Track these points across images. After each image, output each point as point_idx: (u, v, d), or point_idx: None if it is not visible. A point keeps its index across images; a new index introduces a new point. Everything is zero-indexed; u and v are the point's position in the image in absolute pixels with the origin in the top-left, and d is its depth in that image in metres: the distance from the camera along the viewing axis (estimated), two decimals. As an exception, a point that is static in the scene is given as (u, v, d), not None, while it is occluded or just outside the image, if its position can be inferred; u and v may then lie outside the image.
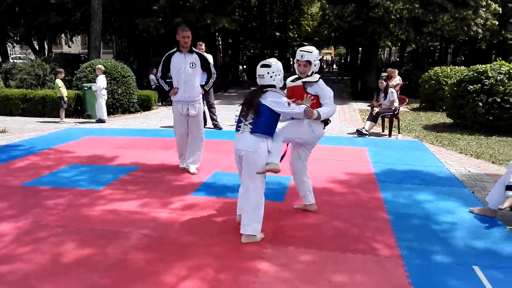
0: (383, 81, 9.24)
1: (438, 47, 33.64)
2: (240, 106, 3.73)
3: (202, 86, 5.82)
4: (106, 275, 3.08)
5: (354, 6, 16.49)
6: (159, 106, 14.43)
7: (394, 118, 8.87)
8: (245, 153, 3.56)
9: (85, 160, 6.50)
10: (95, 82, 10.58)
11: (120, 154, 6.84)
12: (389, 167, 6.13)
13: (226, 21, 18.00)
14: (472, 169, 6.16)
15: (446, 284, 2.99)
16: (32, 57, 21.39)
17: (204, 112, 6.85)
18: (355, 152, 7.14)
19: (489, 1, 17.22)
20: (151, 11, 18.42)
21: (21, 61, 20.87)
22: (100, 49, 16.82)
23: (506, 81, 8.82)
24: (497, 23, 17.87)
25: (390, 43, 37.73)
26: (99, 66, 10.71)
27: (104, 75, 10.73)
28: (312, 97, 3.87)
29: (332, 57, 60.59)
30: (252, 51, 39.48)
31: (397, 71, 11.41)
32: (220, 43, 31.37)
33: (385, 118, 9.09)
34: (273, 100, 3.55)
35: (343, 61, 43.84)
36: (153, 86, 15.07)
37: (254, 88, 3.71)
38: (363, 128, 8.86)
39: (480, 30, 16.96)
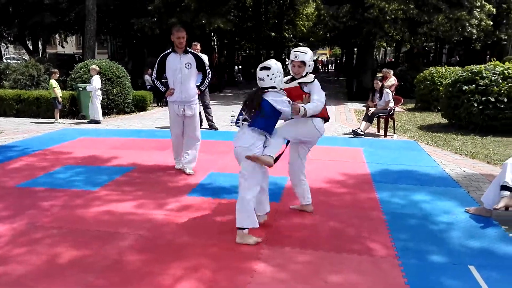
0: (378, 82, 9.27)
1: (433, 47, 33.79)
2: (237, 109, 3.74)
3: (198, 87, 5.81)
4: (101, 276, 3.07)
5: (349, 7, 16.54)
6: (154, 106, 14.39)
7: (389, 119, 8.90)
8: (240, 149, 3.58)
9: (80, 161, 6.47)
10: (89, 83, 10.53)
11: (115, 155, 6.81)
12: (384, 167, 6.15)
13: (221, 21, 17.98)
14: (467, 169, 6.18)
15: (442, 283, 3.00)
16: (26, 57, 21.29)
17: (199, 113, 6.84)
18: (350, 152, 7.16)
19: (484, 2, 17.33)
20: (146, 11, 18.38)
21: (15, 61, 20.74)
22: (95, 49, 16.76)
23: (500, 81, 8.86)
24: (491, 23, 17.98)
25: (385, 44, 37.89)
26: (93, 66, 10.65)
27: (99, 76, 10.68)
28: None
29: (327, 57, 60.69)
30: (247, 51, 39.46)
31: (392, 72, 11.45)
32: (216, 43, 31.35)
33: (381, 119, 9.11)
34: (273, 98, 3.57)
35: (338, 61, 43.95)
36: (148, 87, 15.04)
37: (252, 89, 3.70)
38: (359, 128, 8.87)
39: (474, 31, 17.05)
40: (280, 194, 4.92)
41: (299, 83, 3.93)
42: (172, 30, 5.55)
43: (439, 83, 12.58)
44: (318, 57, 50.48)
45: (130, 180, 5.49)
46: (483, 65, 9.53)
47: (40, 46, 24.88)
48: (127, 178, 5.60)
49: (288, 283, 3.00)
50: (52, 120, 10.70)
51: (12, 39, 24.63)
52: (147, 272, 3.13)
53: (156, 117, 11.71)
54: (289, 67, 4.04)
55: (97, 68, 10.66)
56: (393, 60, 40.86)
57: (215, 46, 31.38)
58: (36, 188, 5.14)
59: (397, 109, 10.18)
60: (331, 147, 7.44)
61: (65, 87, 12.05)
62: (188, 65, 5.54)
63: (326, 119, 4.08)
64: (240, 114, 3.68)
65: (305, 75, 3.95)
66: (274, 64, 3.63)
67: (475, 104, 8.91)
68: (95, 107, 10.45)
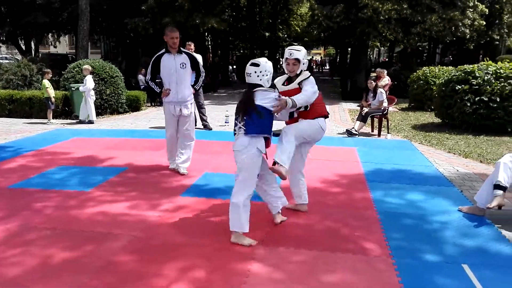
0: (372, 81, 9.30)
1: (427, 47, 33.94)
2: (231, 109, 3.75)
3: (192, 86, 5.82)
4: (96, 277, 3.05)
5: (343, 7, 16.58)
6: (148, 106, 14.34)
7: (383, 118, 8.93)
8: (236, 153, 3.61)
9: (73, 162, 6.44)
10: (82, 83, 10.47)
11: (109, 155, 6.78)
12: (378, 167, 6.17)
13: (215, 21, 17.96)
14: (461, 168, 6.22)
15: (435, 282, 3.02)
16: (19, 57, 21.16)
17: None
18: (345, 152, 7.17)
19: (476, 2, 17.43)
20: (140, 11, 18.31)
21: (7, 61, 20.62)
22: (88, 49, 16.69)
23: (493, 81, 8.92)
24: (484, 23, 18.09)
25: (379, 44, 38.02)
26: (86, 66, 10.58)
27: (92, 75, 10.63)
28: None
29: (321, 57, 60.77)
30: (242, 51, 39.44)
31: (386, 71, 11.49)
32: (210, 43, 31.31)
33: (375, 118, 9.14)
34: (262, 98, 3.56)
35: (332, 61, 44.02)
36: (141, 87, 14.97)
37: (244, 89, 3.70)
38: (353, 128, 8.90)
39: (467, 31, 17.15)
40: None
41: (298, 83, 3.93)
42: (165, 30, 5.53)
43: (432, 83, 12.64)
44: (312, 57, 50.53)
45: (124, 181, 5.47)
46: (476, 65, 9.58)
47: (33, 46, 24.73)
48: (121, 178, 5.58)
49: (283, 283, 3.00)
50: (45, 121, 10.63)
51: (4, 38, 24.45)
52: (141, 272, 3.12)
53: (150, 117, 11.67)
54: (284, 65, 4.04)
55: (90, 68, 10.59)
56: (386, 59, 41.01)
57: (209, 46, 31.34)
58: (30, 189, 5.10)
59: (390, 108, 10.22)
60: (325, 146, 7.44)
61: (58, 87, 11.97)
62: (182, 65, 5.54)
63: (326, 116, 4.12)
64: (236, 124, 3.69)
65: (300, 73, 3.96)
66: (264, 62, 3.63)
67: (468, 104, 8.96)
68: (89, 107, 10.39)
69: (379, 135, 8.83)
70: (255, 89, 3.59)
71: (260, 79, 3.59)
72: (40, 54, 24.14)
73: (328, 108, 4.65)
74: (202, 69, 5.94)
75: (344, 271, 3.17)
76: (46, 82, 10.43)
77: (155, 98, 14.55)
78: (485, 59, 10.16)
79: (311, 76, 3.98)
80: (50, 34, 26.21)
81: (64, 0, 20.34)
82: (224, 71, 25.86)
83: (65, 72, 12.13)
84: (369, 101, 9.18)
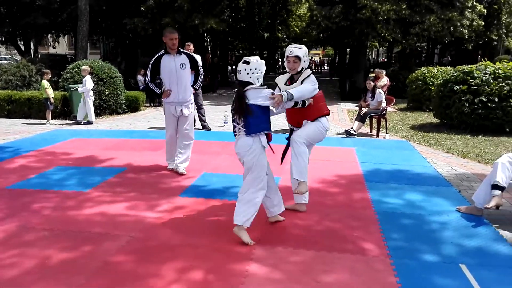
0: (370, 82, 9.30)
1: (425, 47, 33.97)
2: (230, 109, 3.78)
3: (192, 86, 5.84)
4: (94, 278, 3.05)
5: (342, 7, 16.61)
6: (147, 107, 14.34)
7: (381, 119, 8.94)
8: (242, 154, 3.65)
9: (72, 162, 6.44)
10: (81, 83, 10.46)
11: (108, 156, 6.78)
12: (377, 167, 6.17)
13: (214, 22, 17.97)
14: (459, 169, 6.23)
15: (433, 282, 3.02)
16: (18, 58, 21.14)
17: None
18: (343, 152, 7.18)
19: (475, 3, 17.46)
20: (139, 11, 18.32)
21: (6, 62, 20.59)
22: (87, 49, 16.70)
23: (491, 81, 8.93)
24: (482, 23, 18.11)
25: (377, 44, 38.04)
26: (84, 67, 10.58)
27: (91, 76, 10.62)
28: (311, 98, 3.89)
29: (320, 57, 60.79)
30: (241, 51, 39.47)
31: (384, 72, 11.48)
32: (209, 43, 31.31)
33: (373, 119, 9.15)
34: (254, 97, 3.58)
35: (331, 61, 44.04)
36: (141, 87, 14.97)
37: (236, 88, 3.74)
38: (351, 128, 8.90)
39: (465, 31, 17.18)
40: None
41: (301, 82, 3.93)
42: (165, 32, 5.56)
43: (431, 83, 12.65)
44: (311, 58, 50.55)
45: (123, 181, 5.47)
46: (474, 65, 9.59)
47: (32, 47, 24.74)
48: (120, 179, 5.58)
49: (281, 283, 3.00)
50: (44, 121, 10.63)
51: (3, 39, 24.46)
52: (140, 273, 3.12)
53: (148, 118, 11.67)
54: (285, 64, 4.06)
55: (88, 69, 10.58)
56: (385, 60, 41.06)
57: (208, 47, 31.33)
58: (28, 189, 5.10)
59: (389, 109, 10.24)
60: (324, 147, 7.43)
61: (57, 87, 11.97)
62: (182, 66, 5.56)
63: (328, 114, 4.15)
64: (234, 126, 3.71)
65: (301, 71, 3.97)
66: (255, 60, 3.65)
67: (467, 104, 8.97)
68: (88, 107, 10.38)
69: (377, 135, 8.84)
70: (246, 88, 3.61)
71: (250, 77, 3.62)
72: (39, 55, 24.15)
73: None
74: (201, 68, 5.98)
75: (342, 271, 3.17)
76: (45, 83, 10.43)
77: (154, 98, 14.55)
78: (483, 60, 10.17)
79: (312, 75, 4.00)
80: (49, 35, 26.21)
81: (64, 1, 20.36)
82: (223, 71, 25.87)
83: (64, 73, 12.14)
84: (367, 102, 9.19)
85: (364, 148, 7.50)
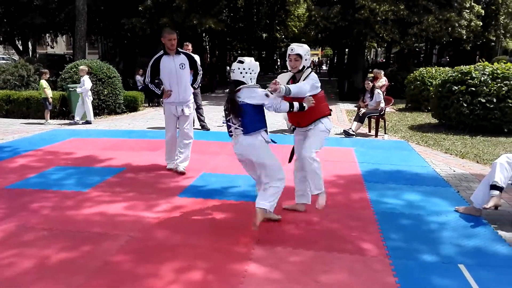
0: (369, 82, 9.31)
1: (423, 48, 34.05)
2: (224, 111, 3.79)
3: (191, 85, 5.85)
4: (93, 278, 3.05)
5: (340, 8, 16.63)
6: (146, 107, 14.33)
7: (380, 119, 8.95)
8: (246, 155, 3.68)
9: (70, 162, 6.43)
10: (79, 83, 10.44)
11: (107, 156, 6.78)
12: (375, 167, 6.18)
13: (212, 22, 17.96)
14: (457, 169, 6.24)
15: (432, 282, 3.03)
16: (16, 57, 21.11)
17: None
18: (342, 152, 7.18)
19: (473, 3, 17.49)
20: (137, 11, 18.30)
21: (5, 61, 20.55)
22: (86, 49, 16.68)
23: (489, 81, 8.95)
24: (480, 24, 18.15)
25: (376, 44, 38.08)
26: (82, 67, 10.55)
27: (89, 76, 10.61)
28: (312, 98, 3.89)
29: (319, 58, 60.79)
30: (239, 52, 39.51)
31: (383, 72, 11.50)
32: (207, 44, 31.32)
33: (372, 119, 9.16)
34: (248, 97, 3.59)
35: (329, 61, 44.08)
36: (139, 87, 14.96)
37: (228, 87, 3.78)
38: (350, 128, 8.91)
39: (464, 32, 17.22)
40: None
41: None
42: (163, 32, 5.57)
43: (429, 84, 12.67)
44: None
45: (121, 181, 5.46)
46: (472, 66, 9.62)
47: (30, 47, 24.71)
48: (118, 179, 5.57)
49: (280, 283, 3.01)
50: (42, 121, 10.61)
51: (1, 39, 24.40)
52: (139, 273, 3.12)
53: (147, 118, 11.67)
54: (287, 62, 4.06)
55: (86, 69, 10.56)
56: (384, 60, 41.11)
57: (207, 47, 31.34)
58: (27, 189, 5.09)
59: (387, 109, 10.25)
60: (323, 147, 7.45)
61: (55, 87, 11.95)
62: (182, 66, 5.58)
63: (329, 114, 4.17)
64: (229, 126, 3.71)
65: (302, 69, 3.97)
66: (249, 60, 3.68)
67: (465, 104, 8.99)
68: (87, 107, 10.37)
69: (376, 135, 8.85)
70: (239, 88, 3.62)
71: (243, 76, 3.64)
72: (37, 55, 24.11)
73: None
74: (200, 67, 6.01)
75: (341, 271, 3.18)
76: (43, 83, 10.41)
77: (153, 98, 14.53)
78: (481, 60, 10.20)
79: (313, 73, 4.01)
80: (47, 35, 26.16)
81: (61, 1, 20.33)
82: (221, 71, 25.87)
83: (62, 73, 12.12)
84: (366, 102, 9.20)
85: (363, 148, 7.51)
